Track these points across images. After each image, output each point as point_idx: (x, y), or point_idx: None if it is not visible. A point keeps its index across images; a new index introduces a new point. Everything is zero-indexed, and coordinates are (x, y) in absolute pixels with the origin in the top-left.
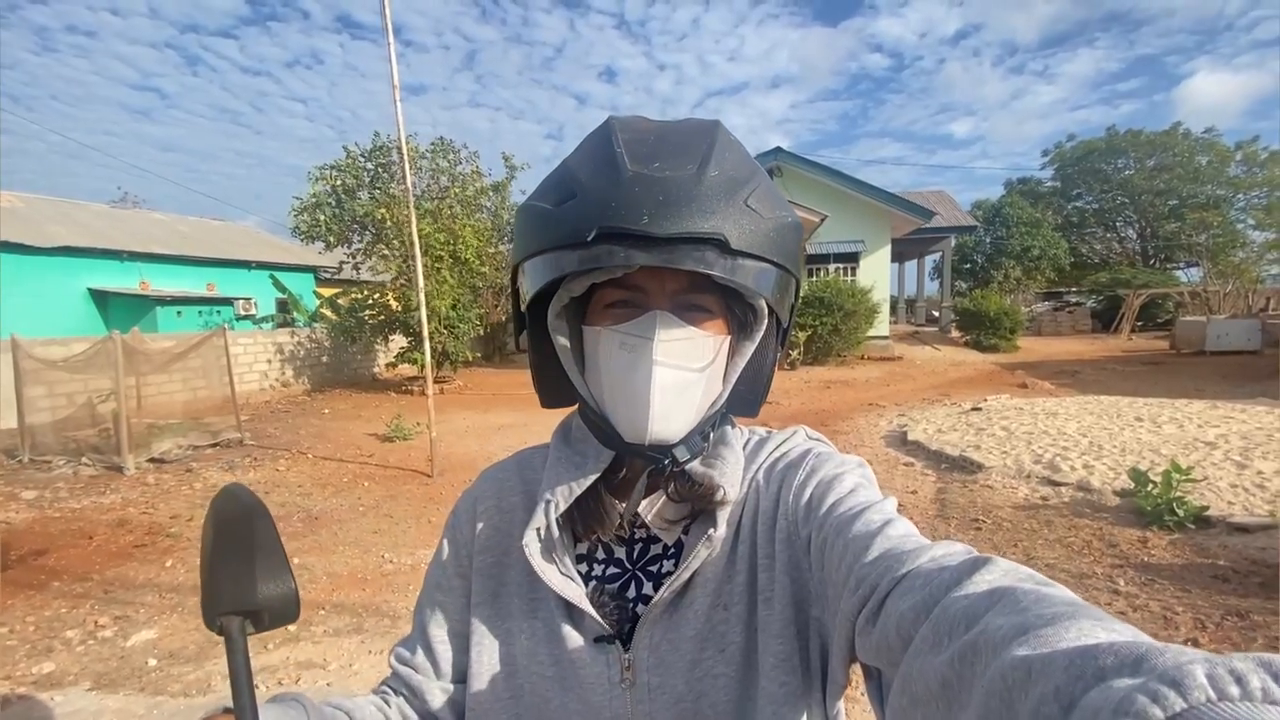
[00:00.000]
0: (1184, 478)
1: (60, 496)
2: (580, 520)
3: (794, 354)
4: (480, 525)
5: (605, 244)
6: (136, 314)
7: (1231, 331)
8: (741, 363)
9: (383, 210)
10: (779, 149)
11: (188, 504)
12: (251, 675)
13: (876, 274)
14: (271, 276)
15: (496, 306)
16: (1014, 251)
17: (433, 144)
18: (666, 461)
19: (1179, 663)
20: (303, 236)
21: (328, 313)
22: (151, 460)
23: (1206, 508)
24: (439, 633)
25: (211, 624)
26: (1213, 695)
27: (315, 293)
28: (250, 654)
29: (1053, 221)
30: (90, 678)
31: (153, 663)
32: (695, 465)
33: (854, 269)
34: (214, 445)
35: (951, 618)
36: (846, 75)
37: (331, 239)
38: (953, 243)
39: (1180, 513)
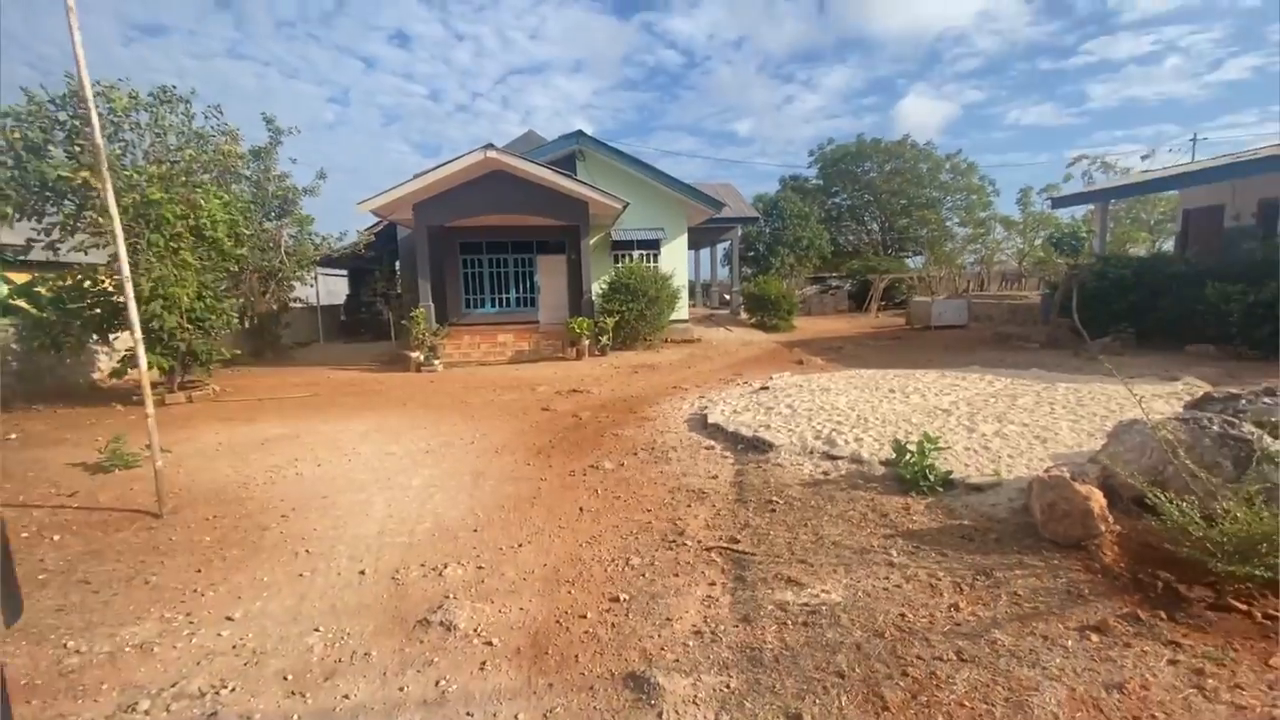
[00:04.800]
0: (934, 446)
1: None
2: None
3: (604, 339)
4: None
5: None
6: None
7: (948, 310)
8: None
9: (85, 173)
10: (580, 133)
11: None
12: None
13: (676, 261)
14: None
15: (265, 294)
16: (789, 241)
17: (152, 93)
18: None
19: None
20: None
21: (24, 305)
22: None
23: (950, 472)
24: None
25: None
26: None
27: (2, 278)
28: None
29: (818, 215)
30: None
31: None
32: None
33: (656, 255)
34: None
35: None
36: (645, 68)
37: (9, 209)
38: (739, 232)
39: (931, 478)
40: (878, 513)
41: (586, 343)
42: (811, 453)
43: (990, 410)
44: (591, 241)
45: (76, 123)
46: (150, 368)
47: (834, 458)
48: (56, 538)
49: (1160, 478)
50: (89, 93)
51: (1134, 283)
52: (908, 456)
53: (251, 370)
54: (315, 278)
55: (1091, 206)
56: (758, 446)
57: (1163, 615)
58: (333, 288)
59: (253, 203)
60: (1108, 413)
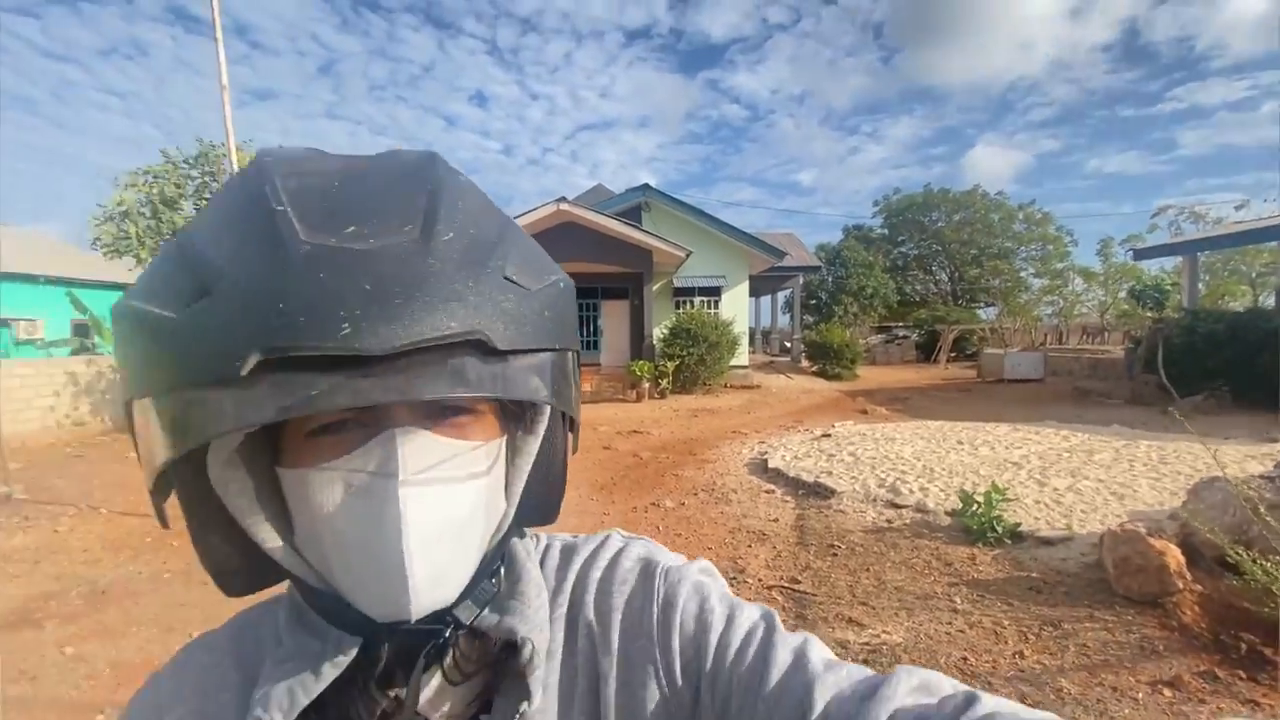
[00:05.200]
0: (1002, 498)
1: None
2: None
3: (664, 383)
4: None
5: (276, 374)
6: None
7: (1023, 363)
8: (526, 465)
9: None
10: (647, 185)
11: None
12: None
13: (737, 307)
14: (69, 294)
15: None
16: (852, 290)
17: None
18: (448, 633)
19: None
20: (106, 250)
21: None
22: None
23: (1019, 524)
24: None
25: None
26: None
27: None
28: None
29: (883, 264)
30: None
31: None
32: (485, 617)
33: (717, 302)
34: None
35: None
36: (709, 122)
37: (144, 254)
38: (801, 280)
39: (999, 530)
40: (942, 561)
41: (647, 385)
42: (874, 500)
43: (1064, 465)
44: (654, 287)
45: (205, 179)
46: None
47: (898, 506)
48: (176, 544)
49: (1244, 537)
50: (234, 156)
51: (1228, 338)
52: (974, 507)
53: None
54: None
55: (1179, 258)
56: (819, 492)
57: (1242, 674)
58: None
59: None
60: (1193, 471)
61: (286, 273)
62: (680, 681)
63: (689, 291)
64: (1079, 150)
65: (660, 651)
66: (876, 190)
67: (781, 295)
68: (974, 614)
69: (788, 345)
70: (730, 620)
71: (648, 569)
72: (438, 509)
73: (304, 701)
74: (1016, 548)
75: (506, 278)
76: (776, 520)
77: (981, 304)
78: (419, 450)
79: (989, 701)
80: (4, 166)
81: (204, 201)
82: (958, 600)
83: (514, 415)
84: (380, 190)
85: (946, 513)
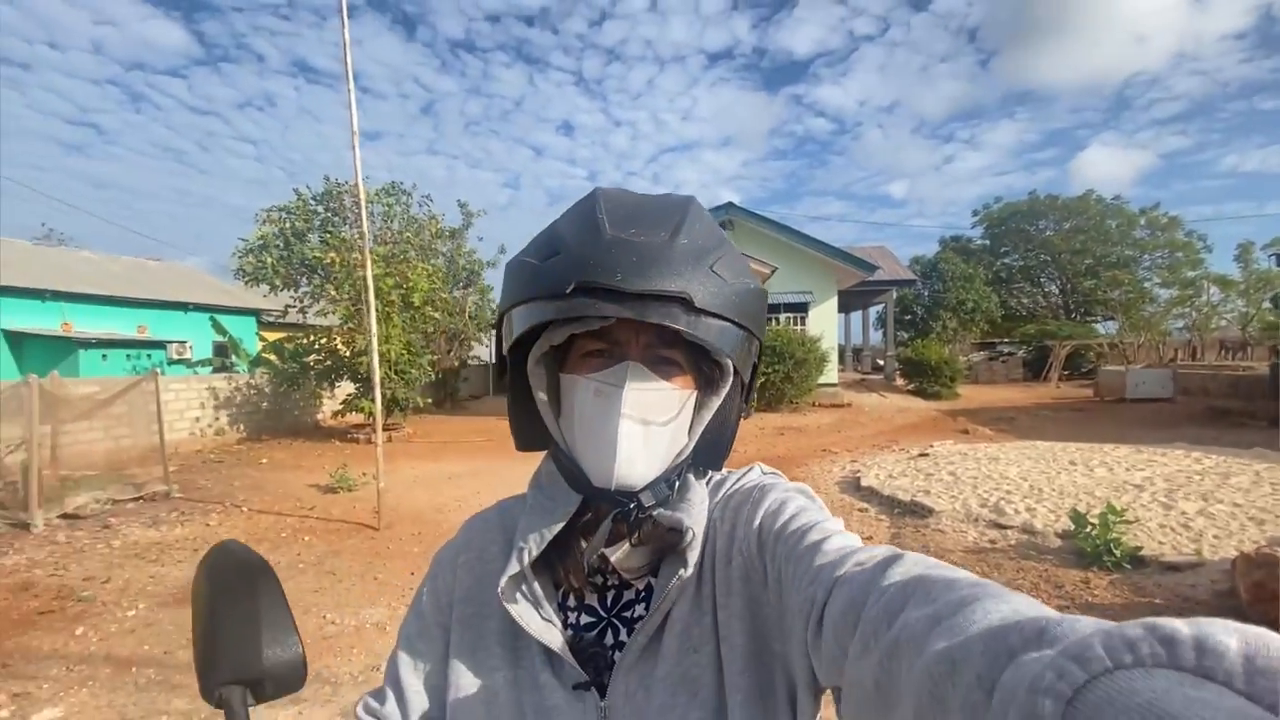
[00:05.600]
0: (1119, 520)
1: None
2: (555, 566)
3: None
4: (461, 576)
5: (582, 297)
6: (56, 357)
7: (1148, 380)
8: (707, 416)
9: (332, 254)
10: (730, 204)
11: (103, 564)
12: None
13: (824, 324)
14: (211, 319)
15: (449, 352)
16: (950, 304)
17: (381, 187)
18: (632, 506)
19: (1079, 636)
20: (247, 279)
21: (270, 357)
22: (64, 516)
23: (1140, 548)
24: (413, 683)
25: (209, 696)
26: (1109, 665)
27: (258, 336)
28: None
29: (984, 276)
30: None
31: None
32: (661, 510)
33: (803, 318)
34: (137, 499)
35: (874, 618)
36: (793, 137)
37: (278, 282)
38: (894, 295)
39: (1117, 553)
40: (1051, 584)
41: None
42: (976, 520)
43: (1194, 488)
44: None
45: (329, 214)
46: (361, 411)
47: (1002, 527)
48: (306, 539)
49: None
50: (362, 197)
51: None
52: (1088, 529)
53: (434, 417)
54: (490, 339)
55: None
56: (916, 511)
57: None
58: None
59: (447, 274)
60: None
61: (596, 247)
62: (755, 560)
63: (774, 309)
64: (1211, 147)
65: (745, 538)
66: (976, 199)
67: (873, 311)
68: None
69: (880, 363)
70: (794, 515)
71: (756, 487)
72: (640, 414)
73: (548, 537)
74: (1137, 572)
75: (713, 270)
76: (870, 538)
77: (1098, 318)
78: (639, 376)
79: (909, 558)
80: (161, 210)
81: (329, 234)
82: None
83: (705, 378)
84: (654, 211)
85: (1056, 534)
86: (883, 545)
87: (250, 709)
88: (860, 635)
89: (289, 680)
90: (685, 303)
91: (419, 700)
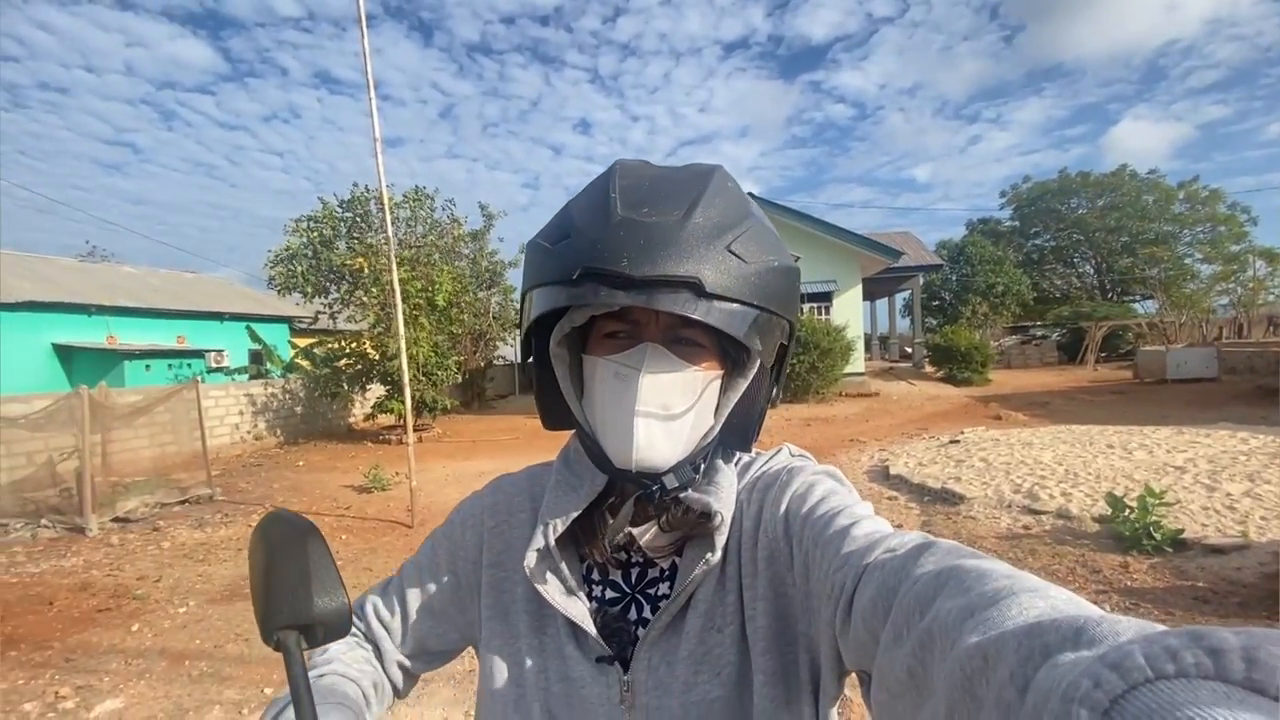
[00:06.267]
0: (1159, 502)
1: (17, 561)
2: (580, 542)
3: (774, 391)
4: (490, 540)
5: (589, 283)
6: (103, 368)
7: (1190, 360)
8: (734, 399)
9: (360, 260)
10: (750, 195)
11: (155, 564)
12: (310, 688)
13: (849, 312)
14: (248, 327)
15: (475, 353)
16: (980, 288)
17: (406, 194)
18: (655, 488)
19: (1119, 641)
20: (279, 288)
21: (303, 363)
22: (116, 520)
23: (1182, 531)
24: (414, 603)
25: (268, 639)
26: (1150, 675)
27: (290, 343)
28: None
29: (1014, 259)
30: None
31: None
32: (690, 491)
33: (828, 308)
34: (182, 502)
35: (907, 607)
36: (813, 125)
37: (309, 289)
38: (921, 281)
39: (1157, 536)
40: (1088, 569)
41: None
42: (1009, 506)
43: (1239, 469)
44: None
45: (355, 219)
46: (391, 413)
47: (1036, 512)
48: (344, 537)
49: None
50: (386, 203)
51: None
52: (1126, 512)
53: (463, 417)
54: (514, 338)
55: None
56: (947, 498)
57: None
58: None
59: (470, 276)
60: None
61: (606, 230)
62: (781, 543)
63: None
64: (1254, 115)
65: (772, 520)
66: (1003, 180)
67: (900, 298)
68: None
69: (909, 350)
70: (822, 498)
71: (784, 469)
72: (659, 397)
73: (573, 514)
74: (1179, 556)
75: (730, 249)
76: (900, 526)
77: (1136, 297)
78: (658, 358)
79: (941, 546)
80: (194, 224)
81: (355, 240)
82: (1107, 608)
83: (732, 359)
84: (671, 188)
85: (1093, 519)
86: (913, 531)
87: (304, 651)
88: (892, 623)
89: (337, 627)
90: (694, 287)
91: (415, 622)
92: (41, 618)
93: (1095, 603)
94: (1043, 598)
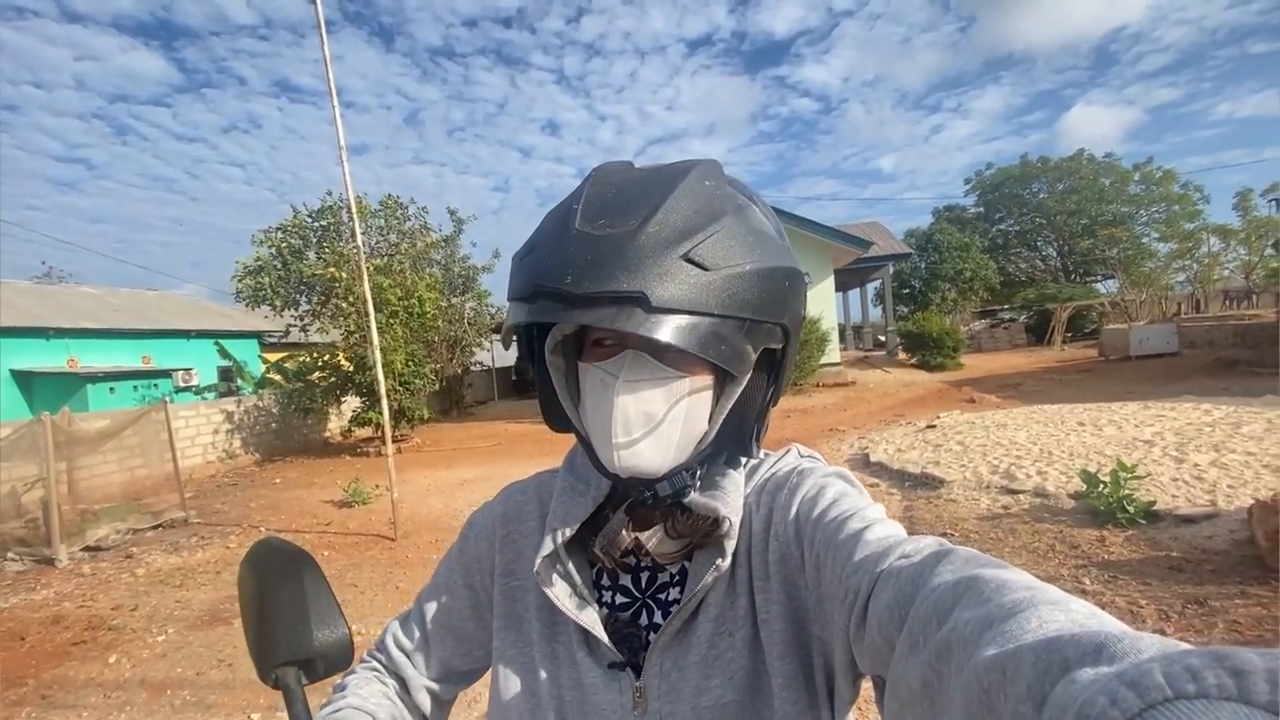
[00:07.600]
0: (1130, 476)
1: None
2: (589, 545)
3: None
4: (502, 549)
5: (542, 300)
6: (65, 393)
7: (1152, 336)
8: (729, 404)
9: (333, 269)
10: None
11: (130, 592)
12: None
13: (823, 304)
14: (216, 344)
15: (451, 360)
16: (948, 275)
17: (381, 201)
18: (648, 494)
19: (1138, 658)
20: (246, 301)
21: (275, 378)
22: (87, 549)
23: (1154, 503)
24: (435, 625)
25: (266, 677)
26: (1169, 694)
27: (261, 358)
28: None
29: (980, 244)
30: None
31: None
32: (696, 497)
33: None
34: (156, 527)
35: (924, 616)
36: (779, 119)
37: (278, 302)
38: (891, 270)
39: (1131, 510)
40: (1067, 544)
41: None
42: (988, 487)
43: (1205, 440)
44: None
45: (326, 229)
46: (369, 424)
47: (1014, 492)
48: (326, 554)
49: None
50: (354, 210)
51: None
52: (1100, 487)
53: (442, 426)
54: (491, 343)
55: None
56: (927, 483)
57: None
58: (504, 351)
59: (443, 282)
60: None
61: (561, 245)
62: (792, 546)
63: None
64: (1203, 97)
65: (782, 523)
66: (967, 168)
67: (871, 287)
68: (1106, 594)
69: (881, 339)
70: (833, 501)
71: (799, 468)
72: (640, 404)
73: (581, 517)
74: (1152, 527)
75: (689, 258)
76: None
77: (1098, 277)
78: (638, 366)
79: (960, 554)
80: (155, 240)
81: (325, 250)
82: (1086, 581)
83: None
84: (635, 195)
85: (1069, 495)
86: (929, 536)
87: (304, 687)
88: (908, 632)
89: (338, 660)
90: (639, 301)
91: (439, 646)
92: (14, 654)
93: (1076, 576)
94: (1063, 611)
